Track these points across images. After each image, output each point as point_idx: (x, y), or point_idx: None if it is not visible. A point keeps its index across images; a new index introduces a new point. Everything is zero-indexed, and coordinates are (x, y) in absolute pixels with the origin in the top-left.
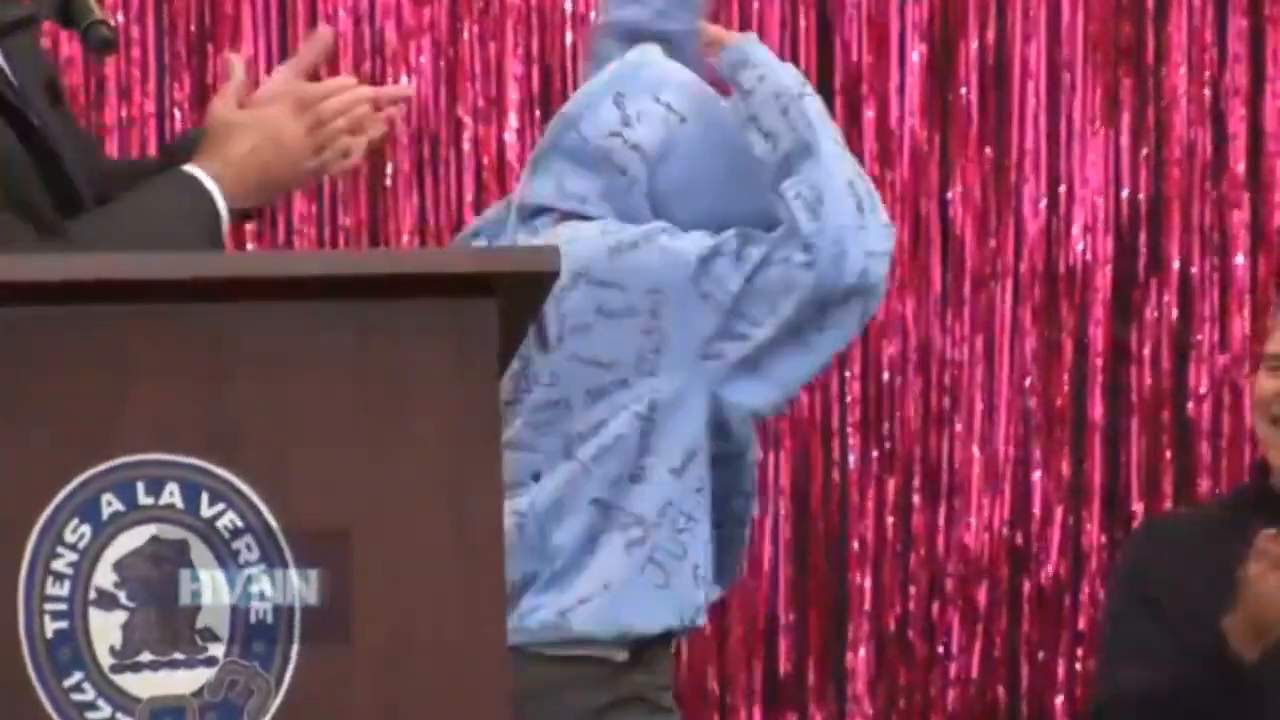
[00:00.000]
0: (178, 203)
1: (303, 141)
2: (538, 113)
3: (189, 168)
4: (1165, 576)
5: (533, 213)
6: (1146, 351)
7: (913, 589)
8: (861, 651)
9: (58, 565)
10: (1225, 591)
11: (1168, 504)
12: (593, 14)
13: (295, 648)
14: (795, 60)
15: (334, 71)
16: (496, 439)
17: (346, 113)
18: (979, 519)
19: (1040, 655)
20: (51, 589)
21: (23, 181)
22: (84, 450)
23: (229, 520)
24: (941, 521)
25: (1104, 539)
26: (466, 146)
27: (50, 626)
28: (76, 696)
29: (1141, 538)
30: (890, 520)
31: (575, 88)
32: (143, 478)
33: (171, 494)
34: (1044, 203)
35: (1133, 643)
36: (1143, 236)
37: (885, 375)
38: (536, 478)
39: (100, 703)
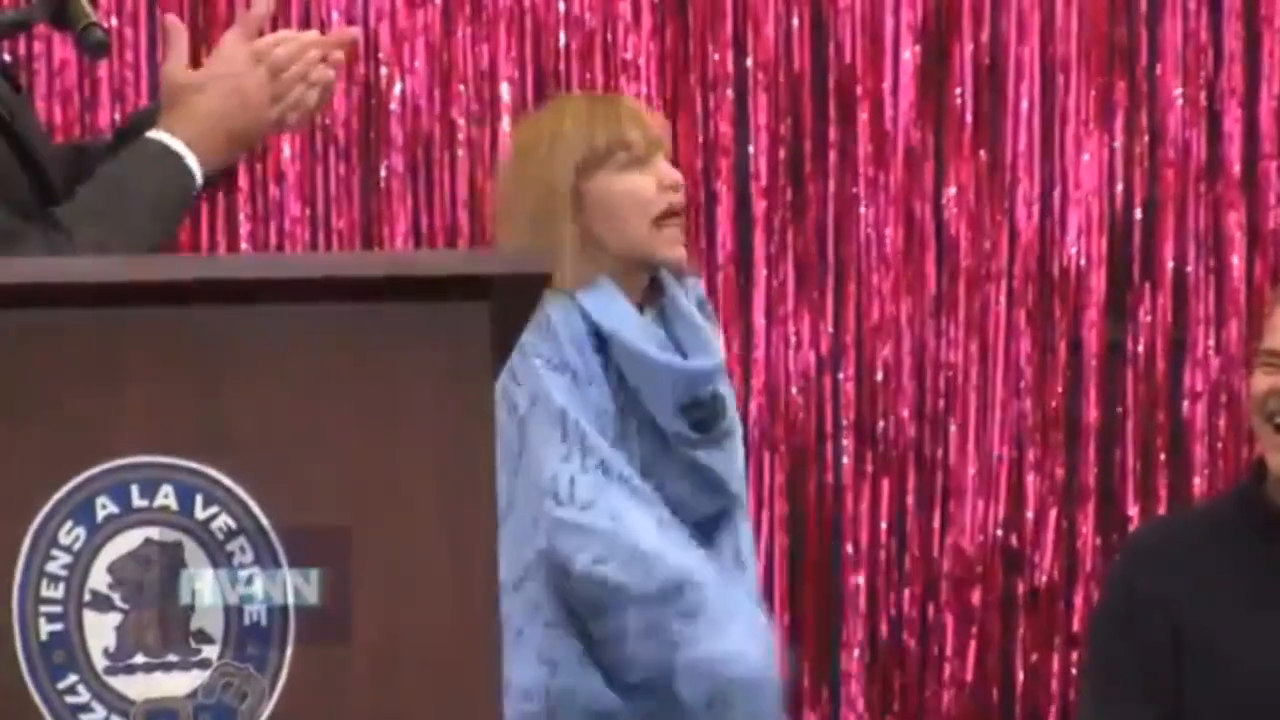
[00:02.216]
0: (153, 173)
1: (263, 91)
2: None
3: (157, 134)
4: (1150, 600)
5: None
6: (1141, 353)
7: (907, 591)
8: (855, 654)
9: (52, 567)
10: (1216, 601)
11: (1162, 506)
12: (586, 16)
13: (289, 649)
14: (789, 61)
15: None
16: (490, 442)
17: (298, 60)
18: (973, 521)
19: (1034, 657)
20: (46, 591)
21: (11, 177)
22: (79, 453)
23: (223, 522)
24: (936, 523)
25: (1098, 541)
26: (460, 150)
27: (45, 629)
28: (71, 699)
29: (1125, 559)
30: (884, 522)
31: (568, 90)
32: (137, 480)
33: (166, 496)
34: (1038, 204)
35: (1107, 681)
36: (1137, 238)
37: (879, 377)
38: None
39: (94, 705)
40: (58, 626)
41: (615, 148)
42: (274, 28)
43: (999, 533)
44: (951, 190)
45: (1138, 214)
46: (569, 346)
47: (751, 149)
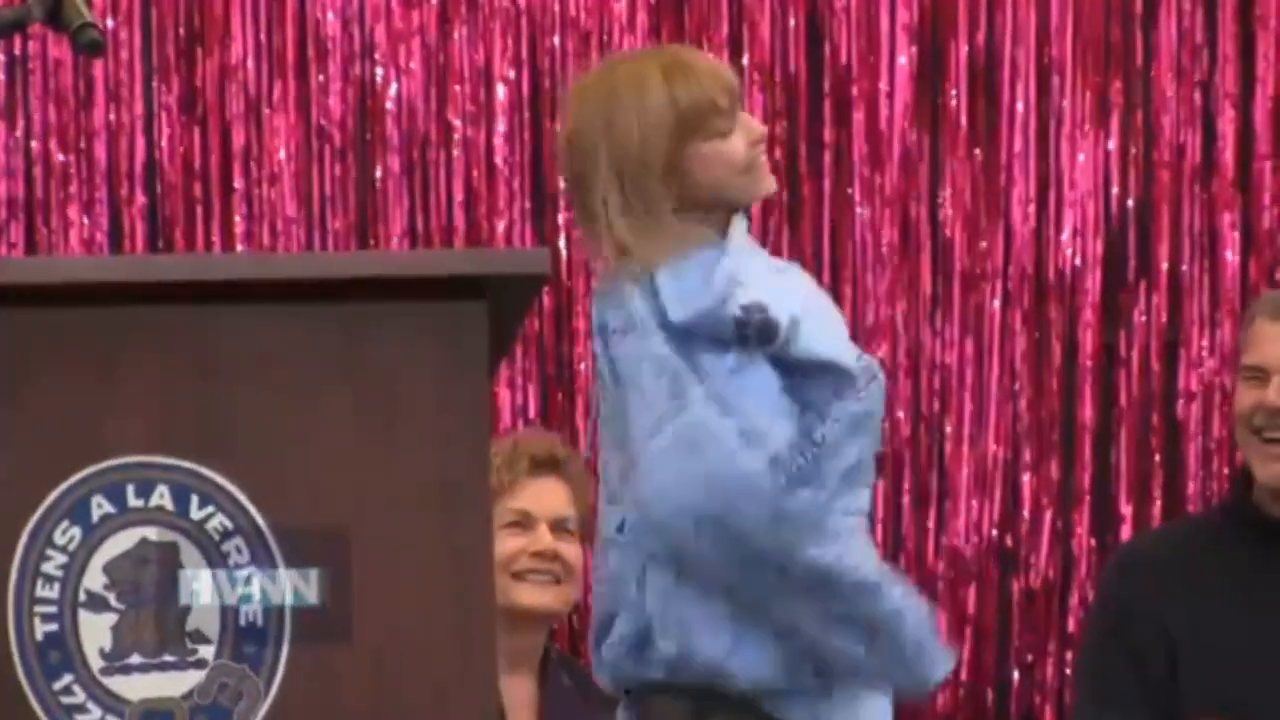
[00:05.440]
0: None
1: None
2: (527, 115)
3: None
4: (1142, 608)
5: None
6: (1135, 354)
7: None
8: None
9: (48, 567)
10: (1208, 609)
11: (1157, 507)
12: (582, 16)
13: (285, 650)
14: (785, 62)
15: (323, 74)
16: (486, 439)
17: None
18: (968, 521)
19: (1029, 658)
20: (41, 591)
21: None
22: (74, 453)
23: (219, 522)
24: (931, 524)
25: (1093, 542)
26: (456, 150)
27: (40, 629)
28: (66, 699)
29: (1117, 568)
30: (879, 522)
31: (564, 91)
32: (133, 480)
33: (161, 496)
34: (1033, 205)
35: (1101, 689)
36: (1132, 239)
37: None
38: None
39: (90, 705)
40: (53, 627)
41: (707, 114)
42: (270, 28)
43: (994, 533)
44: (947, 191)
45: (1132, 215)
46: None
47: None
